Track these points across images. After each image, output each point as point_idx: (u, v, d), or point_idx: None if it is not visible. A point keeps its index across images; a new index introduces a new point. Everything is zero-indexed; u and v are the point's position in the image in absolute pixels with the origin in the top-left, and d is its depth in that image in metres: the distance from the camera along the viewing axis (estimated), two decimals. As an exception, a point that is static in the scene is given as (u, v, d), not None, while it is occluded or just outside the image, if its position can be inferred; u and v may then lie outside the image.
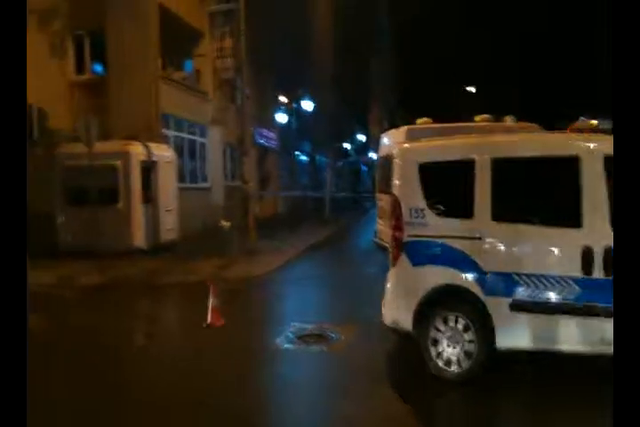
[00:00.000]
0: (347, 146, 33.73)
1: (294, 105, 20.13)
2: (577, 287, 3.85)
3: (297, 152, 27.43)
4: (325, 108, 26.72)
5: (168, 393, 4.19)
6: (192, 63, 16.68)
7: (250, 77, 17.09)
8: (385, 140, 9.39)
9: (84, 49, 14.23)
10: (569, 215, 3.91)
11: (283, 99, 20.95)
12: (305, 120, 22.88)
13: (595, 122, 4.13)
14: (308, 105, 20.02)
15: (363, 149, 37.78)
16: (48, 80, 13.70)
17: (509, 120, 9.11)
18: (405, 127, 6.90)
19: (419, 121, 8.14)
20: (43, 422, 3.44)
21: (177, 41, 15.16)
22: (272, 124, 21.66)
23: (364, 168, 41.08)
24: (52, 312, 7.14)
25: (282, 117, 20.32)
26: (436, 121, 7.71)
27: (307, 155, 30.02)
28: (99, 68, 14.44)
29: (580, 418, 3.56)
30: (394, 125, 6.11)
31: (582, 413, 3.64)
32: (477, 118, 8.40)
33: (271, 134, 22.55)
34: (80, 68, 14.30)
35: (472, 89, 44.36)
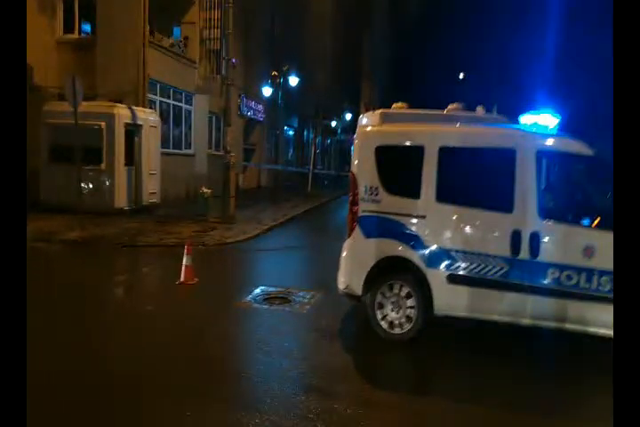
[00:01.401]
0: (335, 124, 33.85)
1: (281, 79, 20.21)
2: (505, 266, 4.40)
3: (284, 126, 27.57)
4: (315, 84, 26.75)
5: (137, 338, 4.70)
6: (181, 30, 16.66)
7: (238, 49, 17.19)
8: (363, 121, 9.82)
9: (74, 8, 14.16)
10: (502, 201, 4.42)
11: (269, 72, 20.99)
12: (293, 95, 22.97)
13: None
14: (293, 80, 20.13)
15: (351, 127, 37.86)
16: (36, 37, 13.54)
17: (480, 110, 9.63)
18: (380, 111, 7.24)
19: (394, 105, 8.59)
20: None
21: (167, 7, 15.13)
22: (260, 96, 21.76)
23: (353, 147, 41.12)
24: (33, 265, 7.54)
25: (267, 91, 20.42)
26: (414, 106, 8.16)
27: (294, 130, 30.15)
28: (87, 28, 14.39)
29: (512, 377, 4.10)
30: (384, 106, 6.42)
31: (514, 372, 4.20)
32: (449, 107, 8.90)
33: (259, 107, 22.65)
34: (69, 27, 14.25)
35: (461, 75, 44.43)
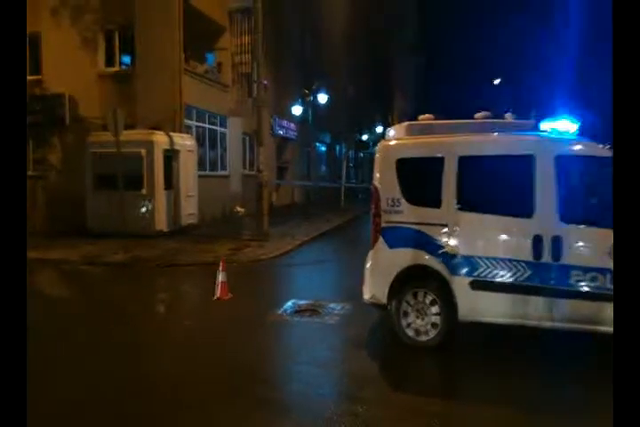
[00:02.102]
0: (366, 137, 34.10)
1: (311, 97, 20.68)
2: (528, 270, 4.44)
3: (317, 143, 28.00)
4: (345, 99, 27.15)
5: (180, 351, 4.97)
6: (214, 56, 17.38)
7: (269, 70, 17.74)
8: (390, 133, 10.03)
9: (114, 42, 15.03)
10: (523, 207, 4.49)
11: (301, 91, 21.53)
12: (324, 111, 23.41)
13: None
14: (322, 98, 20.56)
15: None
16: (80, 71, 14.64)
17: (509, 117, 9.66)
18: (406, 123, 7.36)
19: (420, 117, 8.76)
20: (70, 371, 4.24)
21: (200, 35, 15.85)
22: (291, 115, 22.28)
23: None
24: (80, 285, 8.04)
25: (298, 110, 20.92)
26: (442, 117, 8.29)
27: (326, 146, 30.56)
28: (127, 60, 15.25)
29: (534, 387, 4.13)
30: (414, 117, 6.59)
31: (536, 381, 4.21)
32: (477, 115, 8.98)
33: (290, 125, 23.17)
34: (110, 60, 15.12)
35: (497, 81, 43.95)
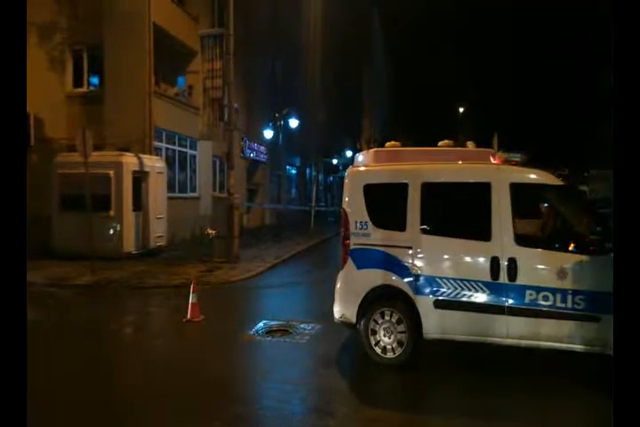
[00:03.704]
0: (336, 161, 34.67)
1: (281, 122, 21.08)
2: (487, 289, 4.73)
3: (287, 166, 28.33)
4: (314, 125, 27.69)
5: (151, 370, 5.01)
6: (185, 79, 17.61)
7: (240, 94, 18.05)
8: (359, 159, 10.42)
9: (83, 63, 15.05)
10: (481, 230, 4.80)
11: (272, 115, 21.92)
12: (294, 135, 23.82)
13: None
14: (293, 123, 21.01)
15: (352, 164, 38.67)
16: (47, 91, 14.56)
17: (470, 145, 10.21)
18: (374, 149, 7.63)
19: (387, 144, 9.19)
20: (44, 389, 4.24)
21: (171, 58, 16.10)
22: (262, 138, 22.59)
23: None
24: (47, 307, 7.92)
25: (269, 133, 21.27)
26: (409, 144, 8.70)
27: (296, 169, 30.93)
28: (95, 80, 15.28)
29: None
30: (382, 143, 6.89)
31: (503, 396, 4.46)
32: (440, 143, 9.47)
33: (261, 148, 23.45)
34: (78, 80, 15.13)
35: (461, 109, 45.64)
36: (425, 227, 4.96)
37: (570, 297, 4.51)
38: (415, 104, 55.41)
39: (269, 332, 6.28)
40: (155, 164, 13.39)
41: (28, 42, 14.80)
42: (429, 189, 4.99)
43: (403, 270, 4.96)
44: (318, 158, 27.17)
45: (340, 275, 5.29)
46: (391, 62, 55.63)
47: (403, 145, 6.80)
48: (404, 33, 52.32)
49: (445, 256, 4.94)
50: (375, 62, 48.18)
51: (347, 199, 5.36)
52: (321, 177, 33.48)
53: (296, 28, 27.55)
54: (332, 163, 33.59)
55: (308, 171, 32.41)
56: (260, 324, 6.57)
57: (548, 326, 4.57)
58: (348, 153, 33.76)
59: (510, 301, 4.66)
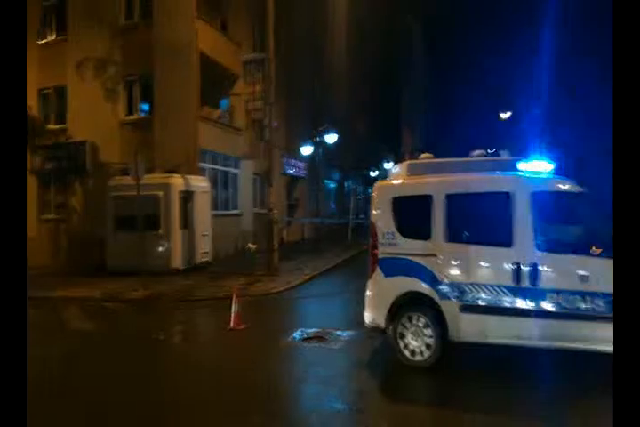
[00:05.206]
0: (375, 174, 34.96)
1: (319, 138, 21.65)
2: (509, 294, 4.95)
3: (326, 180, 28.87)
4: (353, 138, 28.19)
5: (198, 374, 5.48)
6: (227, 101, 18.51)
7: (279, 113, 18.79)
8: (393, 171, 10.73)
9: (134, 92, 16.14)
10: (503, 238, 5.04)
11: (310, 131, 22.53)
12: (333, 150, 24.34)
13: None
14: (331, 138, 21.53)
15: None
16: (102, 119, 15.76)
17: (504, 155, 10.31)
18: (407, 162, 7.85)
19: (421, 156, 9.46)
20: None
21: (215, 82, 16.98)
22: (301, 154, 23.24)
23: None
24: (104, 319, 8.60)
25: (308, 150, 21.86)
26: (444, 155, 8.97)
27: (335, 182, 31.43)
28: (145, 107, 16.33)
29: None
30: (422, 153, 7.21)
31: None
32: (473, 154, 9.64)
33: (300, 164, 24.10)
34: (130, 108, 16.21)
35: (506, 115, 44.88)
36: (449, 235, 5.24)
37: (591, 300, 4.66)
38: (458, 112, 55.11)
39: (306, 339, 6.65)
40: (200, 184, 14.14)
41: (86, 76, 16.11)
42: (453, 200, 5.28)
43: (428, 277, 5.25)
44: (357, 172, 27.54)
45: (370, 283, 5.62)
46: (431, 68, 55.71)
47: (444, 154, 7.00)
48: (444, 36, 52.42)
49: (469, 263, 5.18)
50: (415, 68, 48.41)
51: (374, 212, 5.71)
52: (360, 189, 33.81)
53: (334, 42, 28.36)
54: (370, 175, 33.90)
55: (346, 184, 32.86)
56: (298, 331, 6.95)
57: (571, 328, 4.73)
58: (387, 165, 34.00)
59: (533, 304, 4.85)
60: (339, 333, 6.80)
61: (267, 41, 13.26)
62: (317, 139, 21.49)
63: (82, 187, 16.38)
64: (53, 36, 16.87)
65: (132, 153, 11.43)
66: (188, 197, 13.51)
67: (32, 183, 16.30)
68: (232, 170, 18.11)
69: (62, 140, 16.10)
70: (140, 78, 15.83)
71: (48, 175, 16.57)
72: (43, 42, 16.86)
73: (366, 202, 39.28)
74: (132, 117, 16.09)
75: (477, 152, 6.63)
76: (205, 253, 14.01)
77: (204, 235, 14.00)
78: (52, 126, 16.70)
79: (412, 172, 5.81)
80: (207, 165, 16.36)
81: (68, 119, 16.48)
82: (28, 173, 15.72)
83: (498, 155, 9.24)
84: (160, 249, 12.80)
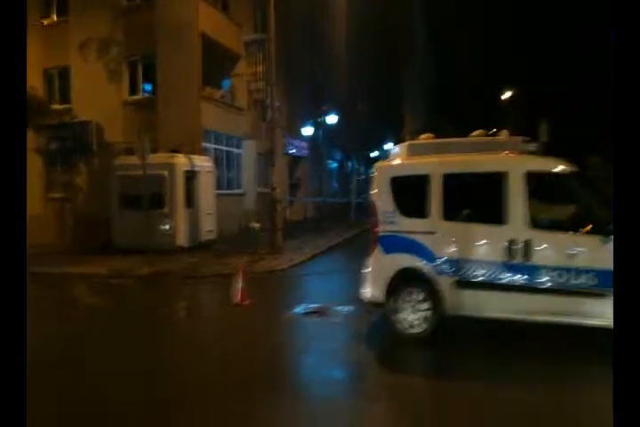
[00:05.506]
0: (376, 154, 34.97)
1: (321, 118, 21.68)
2: (503, 269, 5.17)
3: (328, 160, 28.94)
4: (354, 119, 28.13)
5: (205, 345, 5.77)
6: (229, 82, 18.51)
7: (281, 93, 18.80)
8: (394, 151, 10.86)
9: (137, 72, 16.18)
10: (498, 215, 5.24)
11: (312, 111, 22.56)
12: (334, 130, 24.37)
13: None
14: (332, 119, 21.57)
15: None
16: (105, 100, 15.85)
17: (504, 134, 10.40)
18: (407, 142, 7.98)
19: (421, 137, 9.56)
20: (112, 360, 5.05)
21: (217, 63, 16.97)
22: (303, 134, 23.29)
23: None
24: (111, 295, 8.90)
25: (309, 130, 21.92)
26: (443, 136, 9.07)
27: (337, 162, 31.51)
28: (148, 87, 16.38)
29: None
30: (424, 132, 7.30)
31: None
32: (473, 134, 9.74)
33: (302, 144, 24.16)
34: (133, 88, 16.27)
35: (508, 94, 44.45)
36: (446, 214, 5.44)
37: (582, 275, 4.88)
38: (459, 91, 54.57)
39: (308, 313, 6.92)
40: (204, 163, 14.30)
41: (89, 57, 16.12)
42: (449, 180, 5.46)
43: (426, 254, 5.47)
44: (359, 151, 27.61)
45: (370, 259, 5.85)
46: (433, 48, 54.99)
47: (445, 135, 7.05)
48: (446, 17, 51.64)
49: (465, 240, 5.39)
50: (416, 51, 47.89)
51: (375, 191, 5.90)
52: (362, 170, 33.92)
53: (334, 22, 28.02)
54: (371, 155, 33.93)
55: (348, 164, 32.94)
56: (301, 306, 7.23)
57: (562, 303, 4.97)
58: (389, 145, 33.97)
59: (525, 279, 5.08)
60: (339, 308, 7.08)
61: (268, 22, 13.22)
62: (319, 119, 21.52)
63: (87, 166, 16.55)
64: (56, 17, 16.83)
65: (135, 133, 11.58)
66: (192, 176, 13.68)
67: (38, 162, 16.49)
68: (235, 150, 18.23)
69: (67, 120, 16.20)
70: (143, 59, 15.86)
71: (54, 155, 16.71)
72: (47, 22, 16.83)
73: (368, 182, 39.49)
74: (135, 98, 16.16)
75: (477, 132, 6.74)
76: (210, 231, 14.26)
77: (208, 214, 14.23)
78: (56, 106, 16.77)
79: (412, 152, 5.96)
80: (210, 145, 16.47)
81: (72, 99, 16.55)
82: (33, 152, 15.92)
83: (497, 135, 9.34)
84: (165, 227, 13.04)
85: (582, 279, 4.89)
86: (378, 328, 6.21)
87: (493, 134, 8.66)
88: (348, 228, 18.42)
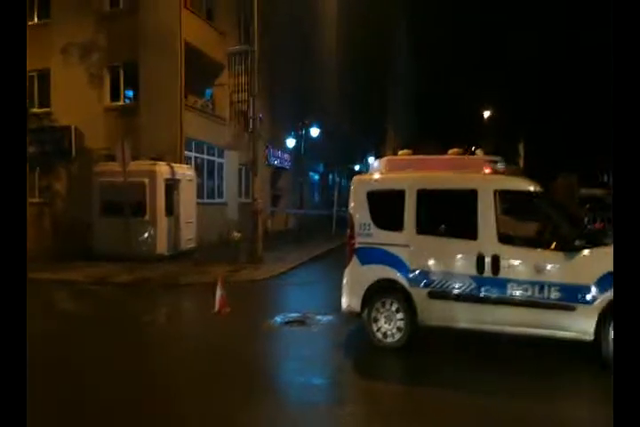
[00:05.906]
0: (358, 167, 35.43)
1: (304, 130, 21.99)
2: (473, 282, 5.42)
3: (310, 172, 29.22)
4: (336, 133, 28.53)
5: (185, 352, 5.87)
6: (212, 91, 18.66)
7: (264, 105, 19.02)
8: (374, 165, 11.14)
9: (119, 78, 16.18)
10: (469, 231, 5.50)
11: (295, 123, 22.84)
12: (317, 143, 24.68)
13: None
14: (314, 131, 21.92)
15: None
16: (86, 105, 15.82)
17: (479, 153, 10.82)
18: (386, 158, 8.22)
19: (400, 152, 9.88)
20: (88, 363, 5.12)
21: (200, 72, 17.12)
22: (286, 146, 23.53)
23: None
24: (90, 302, 8.90)
25: (292, 142, 22.19)
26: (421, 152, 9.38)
27: (319, 175, 31.81)
28: (130, 94, 16.41)
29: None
30: (406, 148, 7.58)
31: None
32: (450, 151, 10.11)
33: (285, 156, 24.39)
34: (115, 95, 16.29)
35: (486, 113, 45.66)
36: (420, 228, 5.69)
37: (547, 289, 5.15)
38: (441, 109, 55.67)
39: (287, 322, 7.07)
40: (185, 172, 14.39)
41: (70, 61, 16.10)
42: (424, 195, 5.72)
43: (400, 265, 5.70)
44: (341, 165, 27.95)
45: (347, 270, 6.05)
46: (416, 67, 56.16)
47: (426, 151, 7.28)
48: (429, 36, 52.79)
49: (438, 253, 5.64)
50: (400, 67, 48.83)
51: (352, 204, 6.13)
52: (344, 182, 34.28)
53: (319, 38, 28.50)
54: (354, 169, 34.35)
55: (330, 177, 33.28)
56: (280, 316, 7.37)
57: (529, 315, 5.22)
58: (370, 159, 34.46)
59: (494, 292, 5.34)
60: (318, 317, 7.24)
61: (252, 32, 13.47)
62: (302, 131, 21.82)
63: (66, 171, 16.46)
64: (37, 19, 16.70)
65: (116, 139, 11.60)
66: (173, 184, 13.75)
67: (16, 167, 16.32)
68: (217, 159, 18.34)
69: (46, 124, 16.12)
70: (125, 65, 15.92)
71: (32, 159, 16.55)
72: (28, 24, 16.76)
73: (349, 195, 39.85)
74: (116, 104, 16.19)
75: (454, 150, 7.04)
76: (190, 239, 14.31)
77: (188, 222, 14.28)
78: (35, 110, 16.66)
79: (391, 167, 6.22)
80: (192, 154, 16.58)
81: (51, 103, 16.48)
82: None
83: (473, 154, 9.74)
84: (145, 235, 13.06)
85: (548, 293, 5.16)
86: (356, 337, 6.38)
87: (471, 152, 9.09)
88: (329, 239, 18.61)
